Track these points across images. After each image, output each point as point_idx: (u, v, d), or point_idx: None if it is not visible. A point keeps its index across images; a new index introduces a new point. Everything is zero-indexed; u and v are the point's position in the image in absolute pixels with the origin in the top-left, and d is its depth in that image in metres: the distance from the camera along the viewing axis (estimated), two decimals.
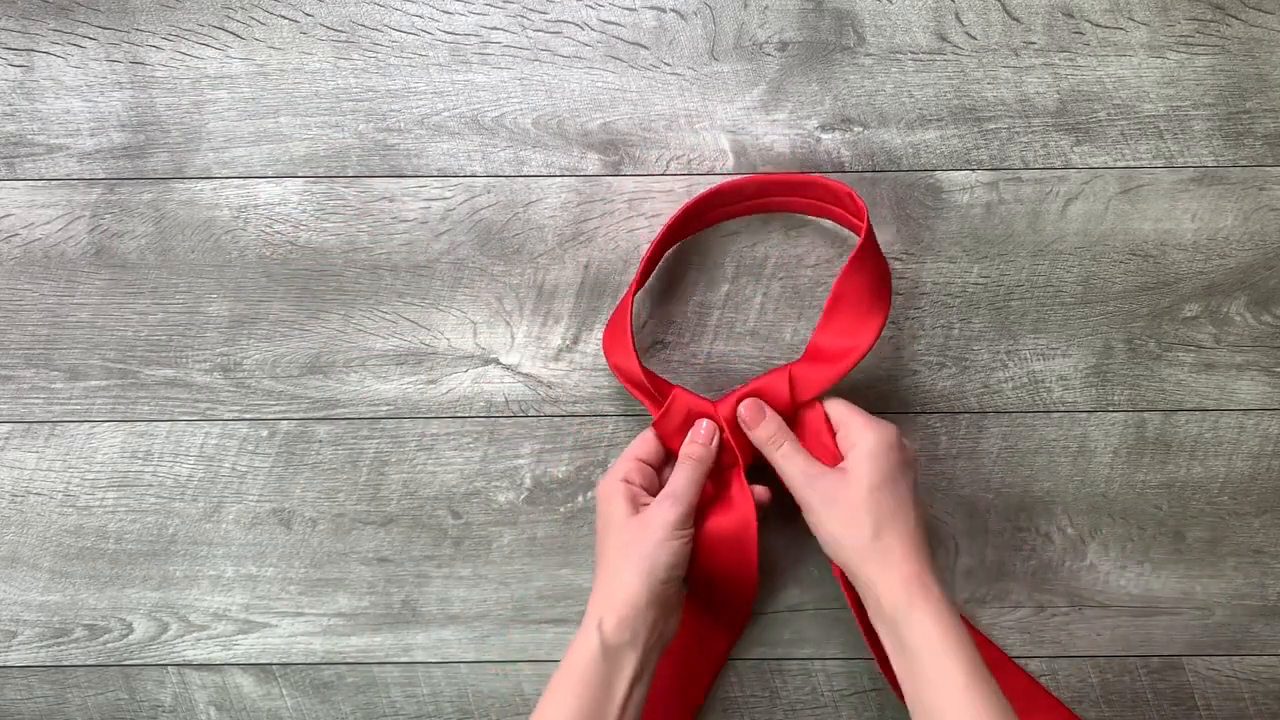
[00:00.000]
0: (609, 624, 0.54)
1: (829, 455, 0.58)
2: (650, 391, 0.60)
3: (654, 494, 0.58)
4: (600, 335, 0.65)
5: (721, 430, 0.59)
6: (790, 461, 0.57)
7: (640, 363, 0.59)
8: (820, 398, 0.59)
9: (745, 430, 0.58)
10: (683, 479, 0.57)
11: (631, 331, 0.59)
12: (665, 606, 0.56)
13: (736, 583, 0.61)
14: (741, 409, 0.58)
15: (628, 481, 0.58)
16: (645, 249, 0.62)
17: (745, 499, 0.59)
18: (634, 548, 0.56)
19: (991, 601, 0.65)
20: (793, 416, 0.59)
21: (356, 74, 0.64)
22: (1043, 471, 0.65)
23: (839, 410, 0.59)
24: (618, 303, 0.63)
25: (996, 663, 0.62)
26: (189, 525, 0.65)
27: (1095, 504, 0.65)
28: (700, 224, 0.64)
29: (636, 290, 0.61)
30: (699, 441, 0.59)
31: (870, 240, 0.58)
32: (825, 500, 0.56)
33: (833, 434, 0.59)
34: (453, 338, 0.65)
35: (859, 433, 0.57)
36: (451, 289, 0.65)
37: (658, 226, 0.64)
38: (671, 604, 0.57)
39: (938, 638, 0.52)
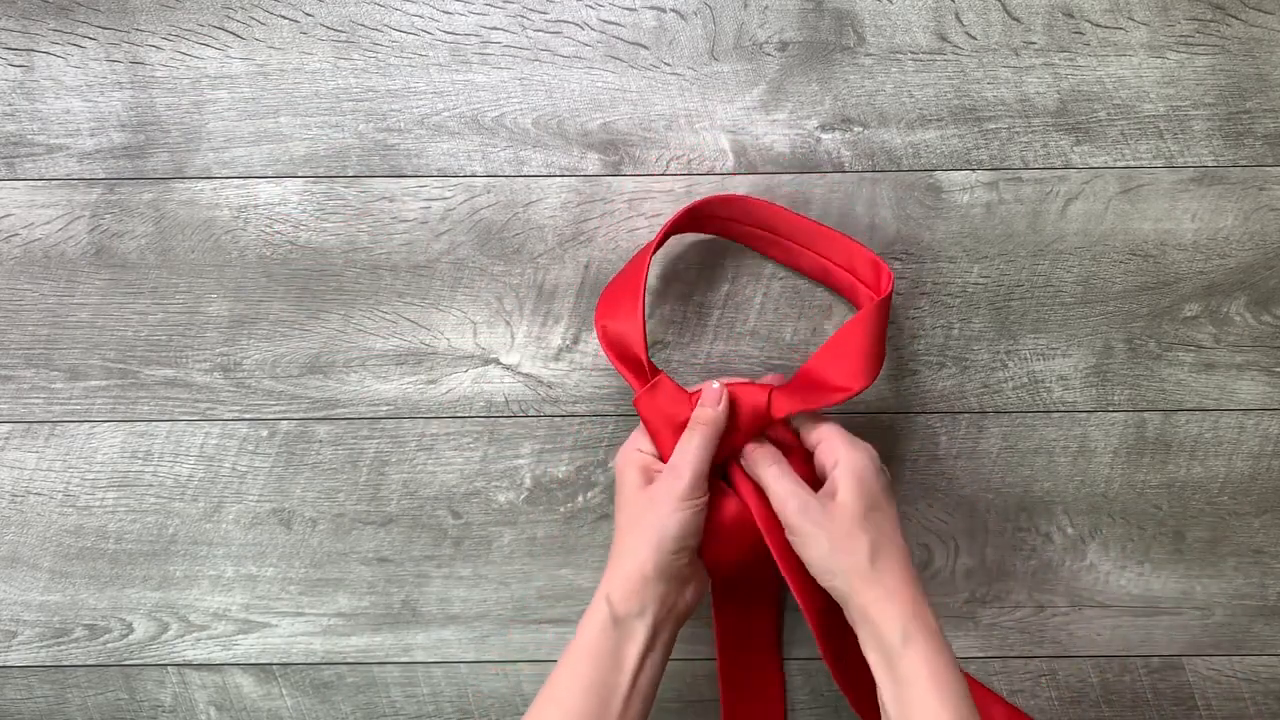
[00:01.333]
0: (617, 596, 0.54)
1: (800, 474, 0.57)
2: (642, 365, 0.58)
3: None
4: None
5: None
6: (780, 484, 0.56)
7: (645, 336, 0.58)
8: (791, 418, 0.58)
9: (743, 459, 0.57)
10: (690, 447, 0.56)
11: (643, 301, 0.58)
12: (677, 579, 0.56)
13: (755, 566, 0.60)
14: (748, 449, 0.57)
15: (642, 450, 0.58)
16: (665, 223, 0.61)
17: (727, 493, 0.58)
18: (643, 520, 0.55)
19: (991, 601, 0.66)
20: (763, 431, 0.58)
21: (356, 74, 0.64)
22: (1043, 471, 0.65)
23: (817, 427, 0.57)
24: (625, 268, 0.62)
25: (984, 699, 0.62)
26: (189, 525, 0.65)
27: (1095, 504, 0.65)
28: (708, 226, 0.63)
29: (653, 254, 0.59)
30: (708, 403, 0.57)
31: (886, 304, 0.58)
32: (817, 524, 0.54)
33: (801, 448, 0.58)
34: (453, 338, 0.65)
35: (841, 452, 0.56)
36: (451, 289, 0.65)
37: (658, 226, 0.64)
38: (684, 575, 0.56)
39: (932, 675, 0.51)
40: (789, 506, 0.55)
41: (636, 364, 0.58)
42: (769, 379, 0.61)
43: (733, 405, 0.57)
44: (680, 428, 0.57)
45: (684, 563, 0.56)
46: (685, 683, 0.66)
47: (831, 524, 0.54)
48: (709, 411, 0.57)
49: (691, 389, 0.59)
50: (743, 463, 0.58)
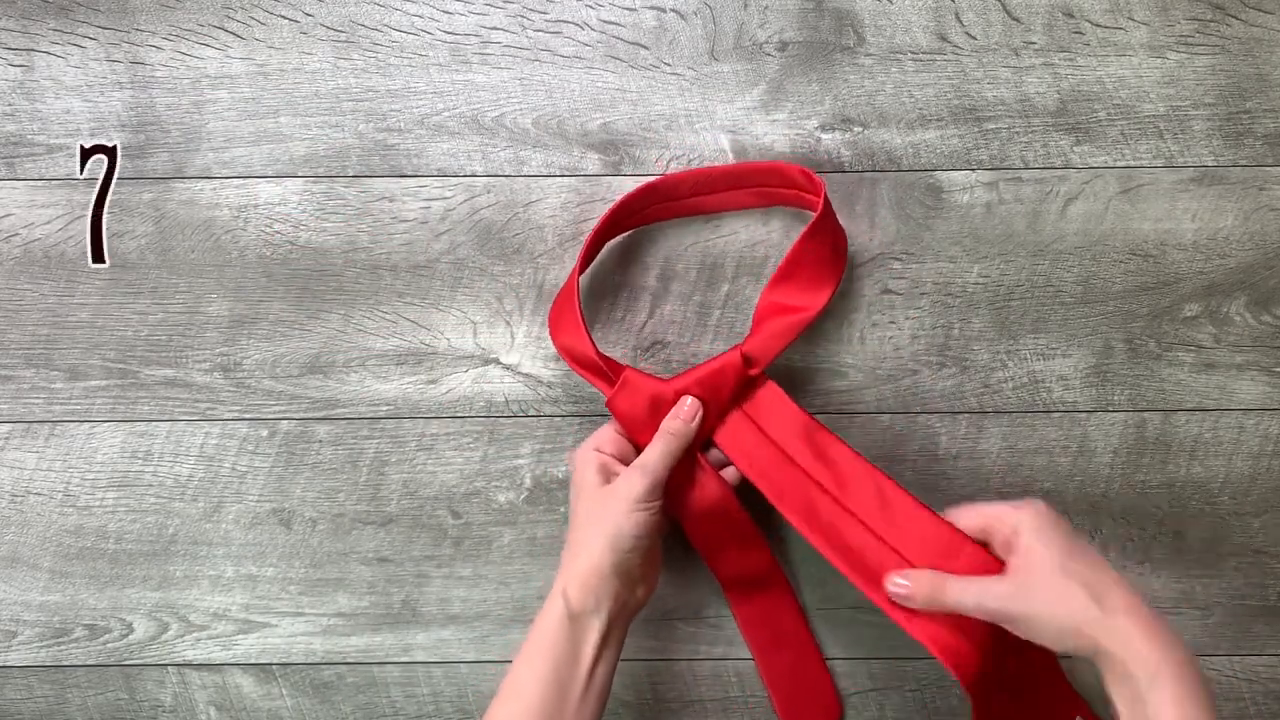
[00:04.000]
0: (573, 591, 0.55)
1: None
2: (603, 370, 0.59)
3: (627, 464, 0.58)
4: (594, 333, 0.65)
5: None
6: (967, 593, 0.51)
7: (592, 341, 0.59)
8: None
9: (905, 604, 0.53)
10: (656, 452, 0.57)
11: (580, 311, 0.59)
12: (629, 576, 0.56)
13: (747, 547, 0.62)
14: (891, 586, 0.53)
15: (600, 450, 0.58)
16: (588, 237, 0.62)
17: (710, 473, 0.60)
18: (600, 517, 0.56)
19: None
20: (745, 391, 0.60)
21: (356, 74, 0.64)
22: (1043, 471, 0.65)
23: (976, 515, 0.54)
24: (561, 287, 0.63)
25: None
26: (189, 525, 0.65)
27: (1095, 504, 0.65)
28: (642, 219, 0.64)
29: (579, 274, 0.61)
30: (681, 418, 0.58)
31: (827, 211, 0.60)
32: (1024, 599, 0.50)
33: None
34: (453, 338, 0.65)
35: (1011, 519, 0.52)
36: (451, 289, 0.65)
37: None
38: (635, 575, 0.57)
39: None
40: (991, 604, 0.51)
41: (596, 369, 0.60)
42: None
43: (711, 381, 0.59)
44: (660, 413, 0.58)
45: (637, 561, 0.56)
46: (686, 683, 0.66)
47: (1035, 591, 0.50)
48: (680, 424, 0.58)
49: (664, 378, 0.59)
50: (919, 607, 0.53)
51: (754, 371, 0.59)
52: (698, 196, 0.64)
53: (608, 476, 0.57)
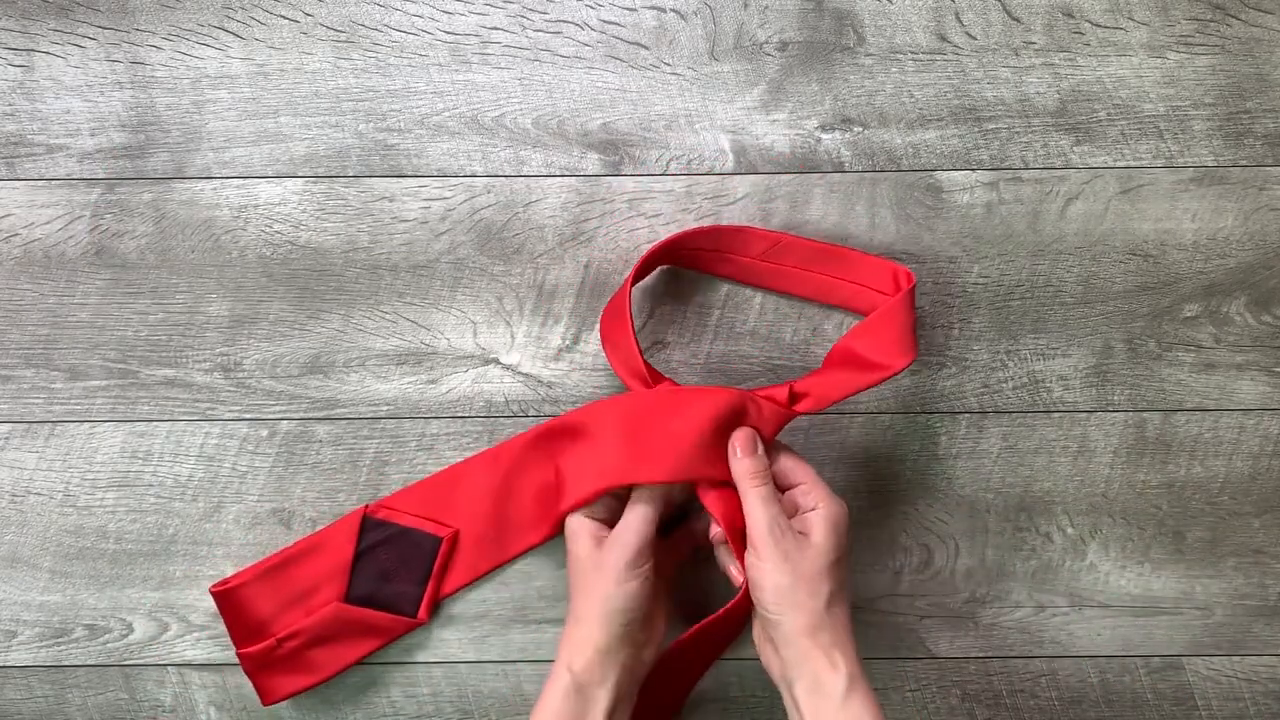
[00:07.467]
0: (578, 665, 0.55)
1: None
2: (647, 382, 0.59)
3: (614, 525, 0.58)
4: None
5: None
6: (764, 506, 0.55)
7: (643, 356, 0.59)
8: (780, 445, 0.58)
9: (731, 457, 0.57)
10: (635, 517, 0.57)
11: (632, 323, 0.59)
12: (633, 644, 0.57)
13: None
14: (735, 437, 0.57)
15: (591, 517, 0.58)
16: (647, 247, 0.62)
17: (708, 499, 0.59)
18: (594, 588, 0.56)
19: (991, 601, 0.66)
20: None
21: (356, 74, 0.64)
22: (1043, 471, 0.65)
23: (800, 468, 0.57)
24: (614, 295, 0.63)
25: None
26: (189, 525, 0.65)
27: (1095, 504, 0.65)
28: (699, 262, 0.64)
29: (633, 284, 0.61)
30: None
31: (913, 296, 0.59)
32: (787, 556, 0.54)
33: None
34: (453, 338, 0.65)
35: (823, 499, 0.56)
36: (451, 289, 0.65)
37: (657, 226, 0.64)
38: (640, 640, 0.57)
39: None
40: (763, 531, 0.54)
41: (641, 378, 0.60)
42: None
43: (751, 408, 0.57)
44: None
45: (636, 629, 0.56)
46: None
47: (801, 560, 0.54)
48: (647, 489, 0.57)
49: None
50: (732, 471, 0.57)
51: (798, 410, 0.58)
52: (766, 263, 0.63)
53: (599, 541, 0.57)
